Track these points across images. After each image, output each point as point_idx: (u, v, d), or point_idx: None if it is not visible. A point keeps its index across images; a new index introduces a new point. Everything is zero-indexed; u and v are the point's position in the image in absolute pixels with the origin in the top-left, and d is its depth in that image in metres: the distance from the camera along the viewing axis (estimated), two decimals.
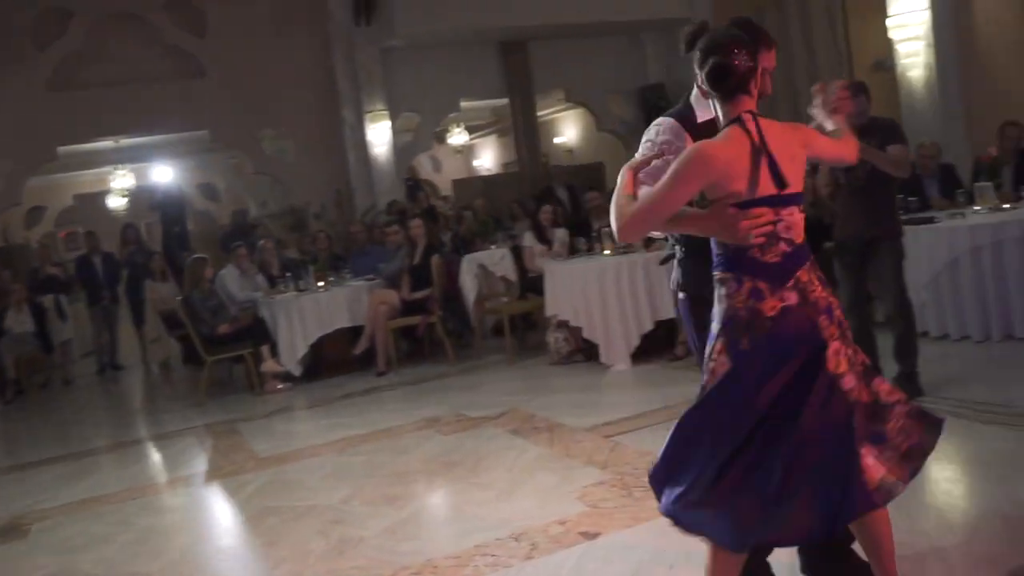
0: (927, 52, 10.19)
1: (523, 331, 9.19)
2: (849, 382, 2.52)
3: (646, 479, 4.30)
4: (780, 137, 2.56)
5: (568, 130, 17.90)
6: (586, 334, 7.32)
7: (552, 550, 3.70)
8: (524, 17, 12.21)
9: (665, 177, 2.53)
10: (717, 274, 2.59)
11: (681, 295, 3.02)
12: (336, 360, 8.53)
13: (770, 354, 2.50)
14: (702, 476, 2.56)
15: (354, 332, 8.47)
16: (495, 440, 5.54)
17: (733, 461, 2.52)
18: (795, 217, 2.56)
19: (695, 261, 2.84)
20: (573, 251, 8.08)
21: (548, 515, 4.09)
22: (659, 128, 2.94)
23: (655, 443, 4.91)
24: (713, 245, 2.61)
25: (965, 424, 4.42)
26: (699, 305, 2.88)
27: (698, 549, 3.47)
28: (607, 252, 7.60)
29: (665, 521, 3.77)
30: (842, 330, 2.56)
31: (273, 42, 11.84)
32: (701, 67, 2.60)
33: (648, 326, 7.22)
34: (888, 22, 10.47)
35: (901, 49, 10.43)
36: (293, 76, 11.92)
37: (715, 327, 2.60)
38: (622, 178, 2.73)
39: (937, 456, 2.84)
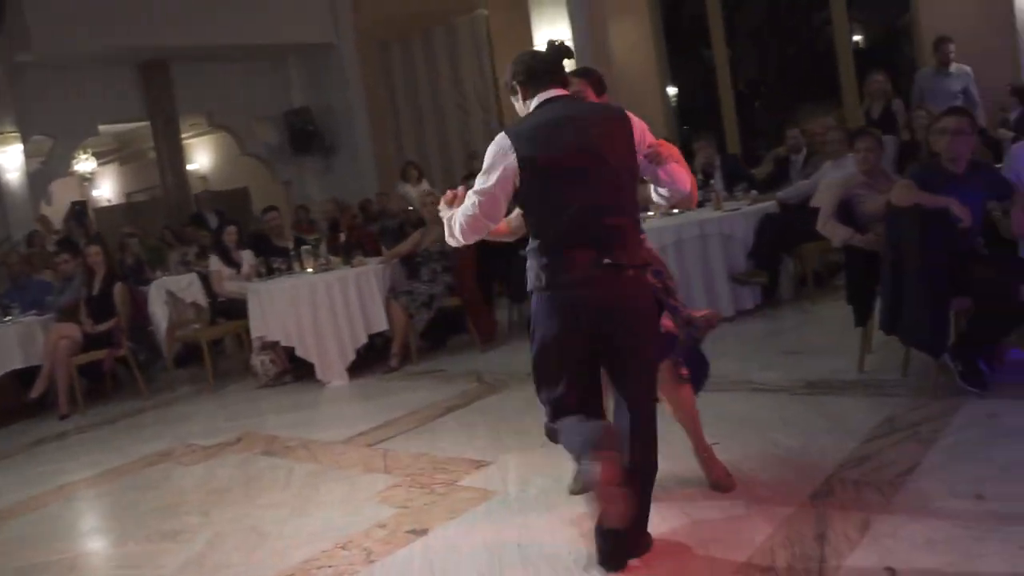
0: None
1: (214, 357, 8.78)
2: None
3: (444, 476, 4.48)
4: None
5: (200, 156, 17.25)
6: (300, 353, 7.21)
7: (390, 551, 3.70)
8: (165, 37, 11.73)
9: None
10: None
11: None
12: (6, 408, 7.59)
13: None
14: None
15: (21, 374, 7.64)
16: (251, 463, 5.33)
17: None
18: None
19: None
20: (270, 271, 7.89)
21: (362, 522, 4.07)
22: None
23: (423, 446, 5.12)
24: None
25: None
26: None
27: (537, 522, 3.73)
28: (309, 270, 7.57)
29: (485, 507, 3.99)
30: None
31: None
32: None
33: (363, 339, 7.30)
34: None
35: None
36: None
37: None
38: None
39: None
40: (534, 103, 3.16)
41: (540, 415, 3.29)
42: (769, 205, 7.35)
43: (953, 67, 8.50)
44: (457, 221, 3.23)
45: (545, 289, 3.07)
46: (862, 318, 5.14)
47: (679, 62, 11.89)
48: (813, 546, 3.13)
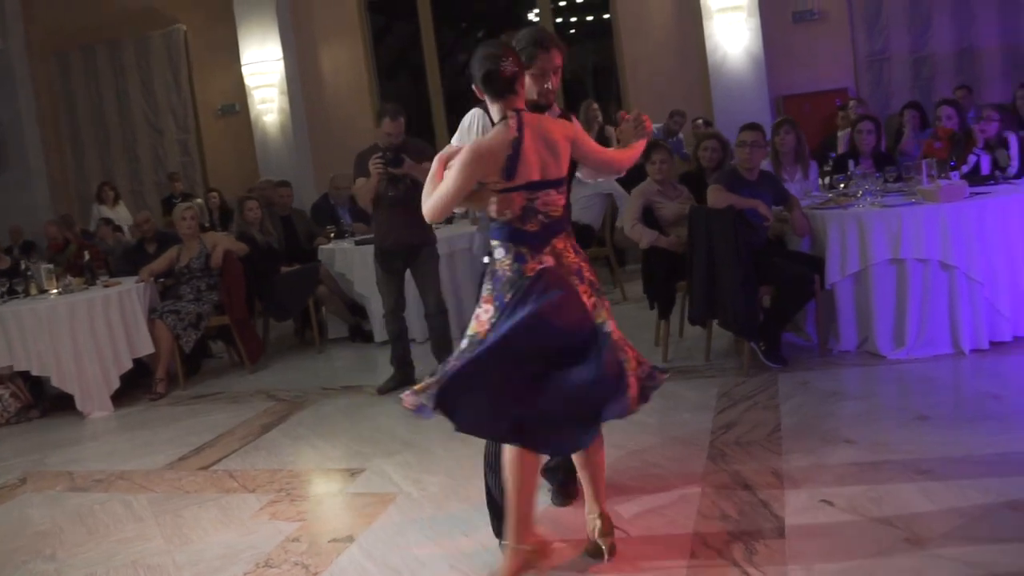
0: (281, 98, 11.16)
1: None
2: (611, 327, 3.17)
3: (322, 488, 4.41)
4: (541, 131, 3.08)
5: None
6: (56, 383, 6.53)
7: (327, 561, 3.59)
8: None
9: (453, 171, 3.02)
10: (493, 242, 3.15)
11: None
12: None
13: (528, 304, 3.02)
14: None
15: None
16: (64, 501, 4.76)
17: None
18: (551, 197, 3.12)
19: None
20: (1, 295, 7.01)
21: (267, 539, 3.90)
22: (473, 119, 3.32)
23: (268, 462, 5.03)
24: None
25: None
26: None
27: (464, 512, 3.82)
28: (54, 292, 6.89)
29: (396, 509, 4.01)
30: (593, 288, 3.22)
31: None
32: (476, 74, 3.07)
33: (128, 364, 6.78)
34: (243, 70, 11.17)
35: (256, 95, 11.21)
36: None
37: (487, 285, 3.15)
38: (433, 167, 3.11)
39: None
40: None
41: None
42: None
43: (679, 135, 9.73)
44: None
45: None
46: (665, 312, 5.75)
47: (391, 86, 12.19)
48: (747, 495, 3.57)
